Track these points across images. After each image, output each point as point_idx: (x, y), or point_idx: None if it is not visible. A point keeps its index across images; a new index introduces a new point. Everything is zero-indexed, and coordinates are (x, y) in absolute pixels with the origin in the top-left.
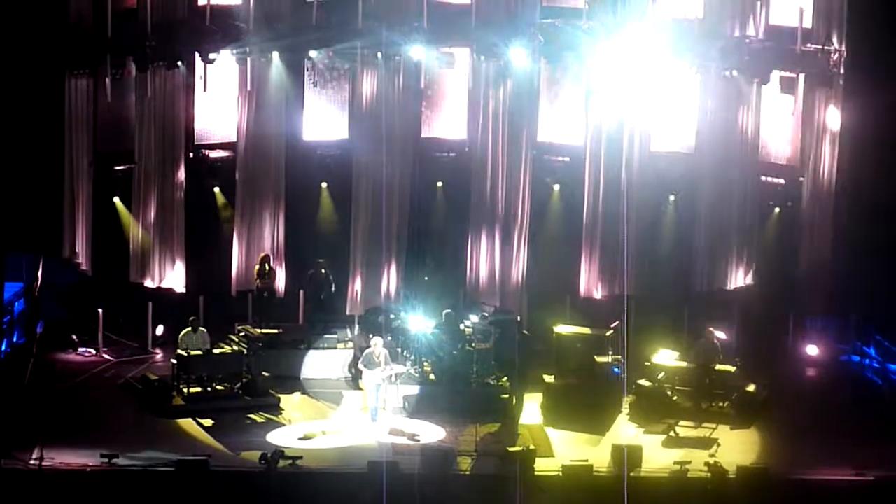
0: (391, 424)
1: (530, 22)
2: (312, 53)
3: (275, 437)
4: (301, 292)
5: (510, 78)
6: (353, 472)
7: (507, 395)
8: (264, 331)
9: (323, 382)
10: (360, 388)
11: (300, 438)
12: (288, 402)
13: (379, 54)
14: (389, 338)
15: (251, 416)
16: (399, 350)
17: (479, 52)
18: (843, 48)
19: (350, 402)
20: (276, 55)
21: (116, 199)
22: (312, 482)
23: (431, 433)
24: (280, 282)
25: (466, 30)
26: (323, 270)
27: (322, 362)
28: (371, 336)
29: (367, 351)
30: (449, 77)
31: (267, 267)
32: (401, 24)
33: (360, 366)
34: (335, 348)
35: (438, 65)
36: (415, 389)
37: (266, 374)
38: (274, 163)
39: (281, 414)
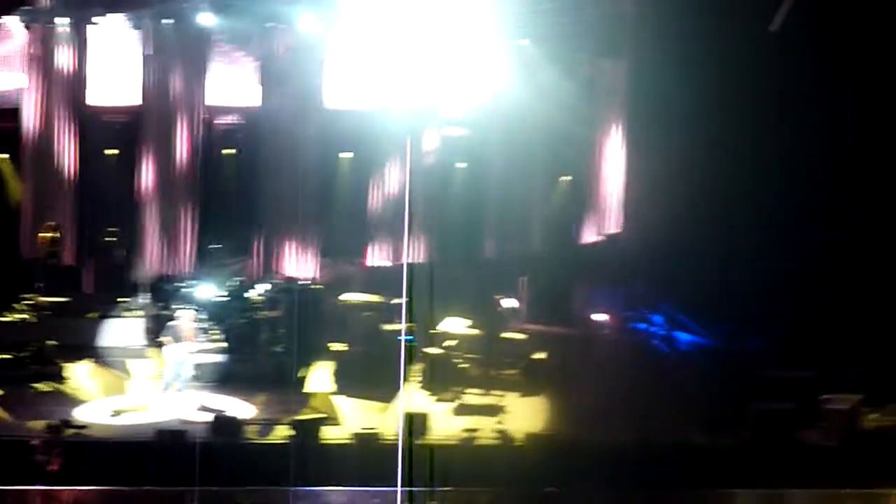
0: (186, 397)
1: None
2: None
3: (83, 412)
4: (91, 260)
5: None
6: (139, 441)
7: (295, 363)
8: (52, 299)
9: (113, 350)
10: (150, 357)
11: (112, 415)
12: (77, 370)
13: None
14: (195, 310)
15: (38, 385)
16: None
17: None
18: (633, 15)
19: (141, 371)
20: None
21: None
22: (99, 451)
23: (221, 402)
24: (68, 250)
25: None
26: (112, 239)
27: (112, 330)
28: (178, 308)
29: (173, 323)
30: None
31: (55, 235)
32: None
33: (166, 337)
34: (123, 317)
35: None
36: (204, 358)
37: (52, 343)
38: (65, 129)
39: (67, 383)
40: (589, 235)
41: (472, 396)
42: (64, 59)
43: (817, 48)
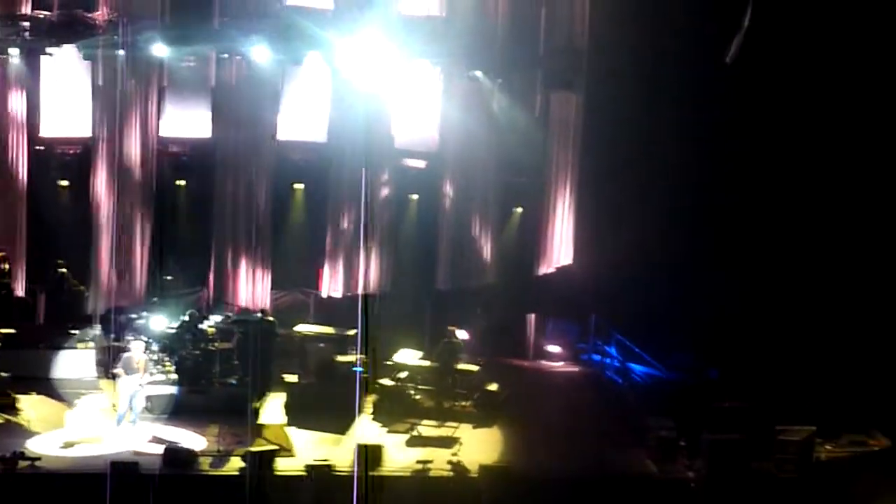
0: (139, 429)
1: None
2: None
3: (36, 444)
4: (42, 291)
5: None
6: (94, 474)
7: (248, 395)
8: (2, 330)
9: (62, 382)
10: (102, 389)
11: (65, 447)
12: (26, 402)
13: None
14: (147, 341)
15: None
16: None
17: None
18: (585, 48)
19: (90, 403)
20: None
21: None
22: (53, 483)
23: (175, 434)
24: (18, 281)
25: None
26: (63, 270)
27: (62, 362)
28: (130, 340)
29: (125, 355)
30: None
31: (5, 267)
32: None
33: (119, 369)
34: (75, 348)
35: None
36: (158, 390)
37: (3, 375)
38: (14, 161)
39: (19, 415)
40: (542, 267)
41: (426, 428)
42: (15, 89)
43: (770, 80)
